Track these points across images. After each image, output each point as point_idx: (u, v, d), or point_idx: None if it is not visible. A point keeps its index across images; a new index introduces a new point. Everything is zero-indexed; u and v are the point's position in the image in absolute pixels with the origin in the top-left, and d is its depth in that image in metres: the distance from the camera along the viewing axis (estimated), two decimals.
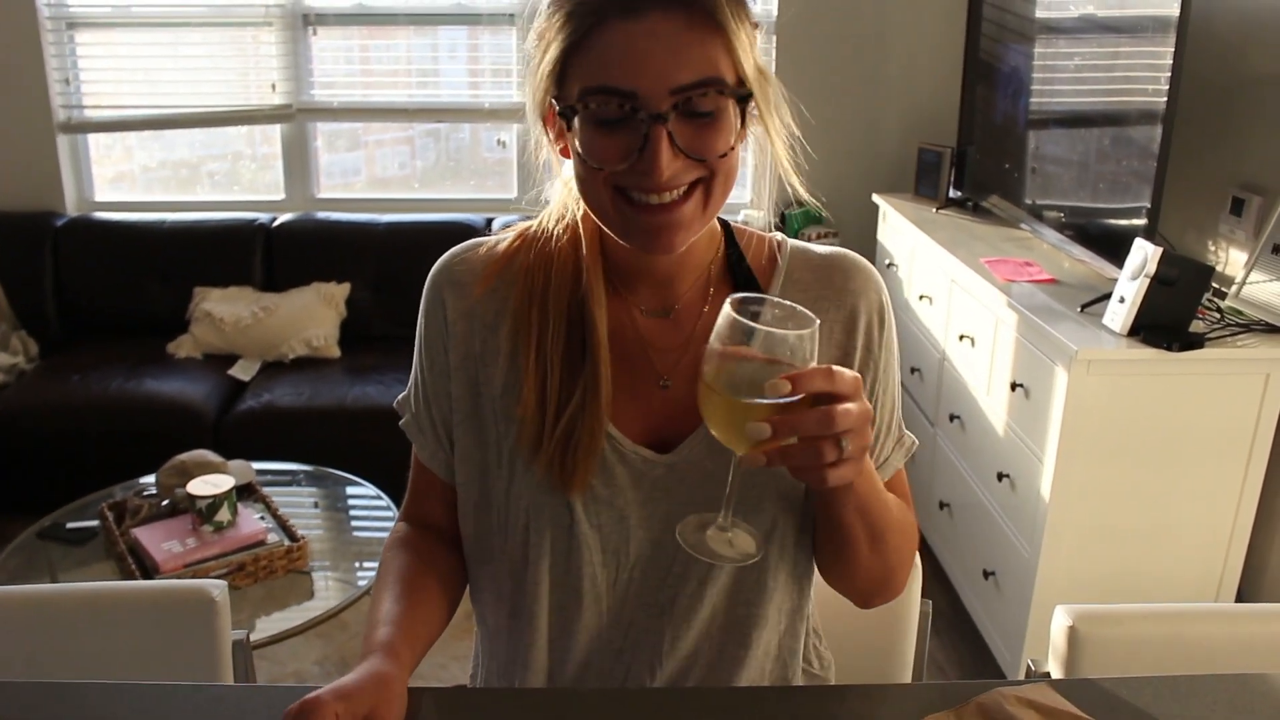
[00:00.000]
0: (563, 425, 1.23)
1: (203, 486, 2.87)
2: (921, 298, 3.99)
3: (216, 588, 1.50)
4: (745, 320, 1.04)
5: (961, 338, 3.56)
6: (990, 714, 1.21)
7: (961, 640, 3.45)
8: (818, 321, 1.05)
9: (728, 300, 1.04)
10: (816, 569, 1.40)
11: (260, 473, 3.30)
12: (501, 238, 1.33)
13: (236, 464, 3.19)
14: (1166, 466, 2.88)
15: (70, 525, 3.11)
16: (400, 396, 1.41)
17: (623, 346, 1.29)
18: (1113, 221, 3.24)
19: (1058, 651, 1.55)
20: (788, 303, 1.08)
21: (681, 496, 1.28)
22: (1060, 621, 1.54)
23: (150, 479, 3.21)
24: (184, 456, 3.10)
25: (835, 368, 1.03)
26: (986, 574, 3.34)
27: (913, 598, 1.66)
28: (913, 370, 4.02)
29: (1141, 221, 3.00)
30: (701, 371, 1.05)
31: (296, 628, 2.59)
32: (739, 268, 1.32)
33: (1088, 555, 2.96)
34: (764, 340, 1.03)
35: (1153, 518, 2.93)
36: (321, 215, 4.72)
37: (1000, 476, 3.19)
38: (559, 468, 1.24)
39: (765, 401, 1.03)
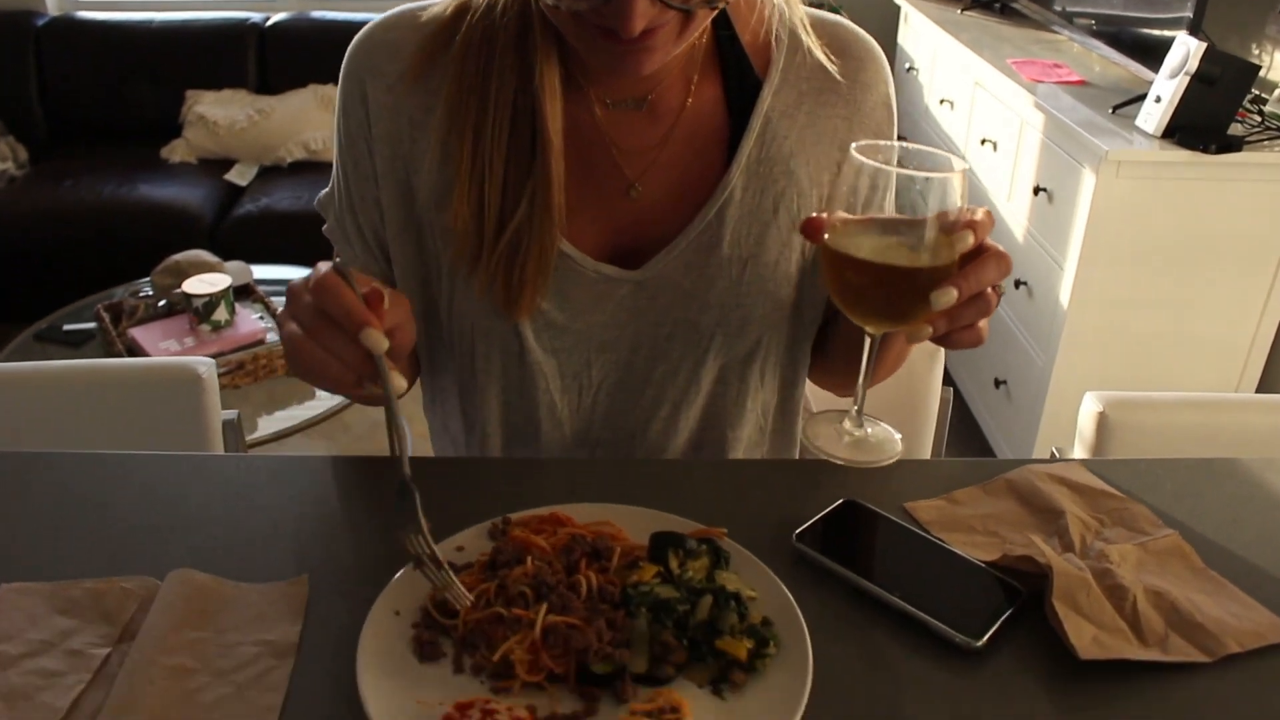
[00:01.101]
0: (505, 240, 1.05)
1: (199, 285, 2.79)
2: (942, 102, 3.83)
3: (203, 365, 1.43)
4: (895, 169, 0.89)
5: (983, 142, 3.42)
6: (1020, 490, 1.14)
7: (969, 451, 3.43)
8: (965, 164, 0.93)
9: (854, 152, 0.90)
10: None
11: (260, 281, 3.21)
12: (433, 4, 1.09)
13: (234, 265, 3.10)
14: (1190, 274, 2.78)
15: (67, 327, 3.04)
16: (321, 195, 1.21)
17: (580, 145, 1.09)
18: (1152, 28, 3.05)
19: (1085, 438, 1.48)
20: (912, 145, 0.93)
21: (652, 318, 1.16)
22: (1090, 408, 1.47)
23: (146, 281, 3.13)
24: (179, 256, 3.01)
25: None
26: (998, 383, 3.28)
27: (933, 385, 1.58)
28: None
29: (1183, 24, 2.82)
30: (837, 251, 0.92)
31: (297, 425, 2.55)
32: (730, 50, 1.12)
33: (1103, 363, 2.90)
34: (931, 190, 0.89)
35: (1172, 326, 2.85)
36: (317, 14, 4.49)
37: (1018, 284, 3.10)
38: (502, 289, 1.08)
39: (933, 266, 0.88)
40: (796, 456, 1.38)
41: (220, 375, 2.68)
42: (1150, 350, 2.88)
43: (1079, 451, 1.49)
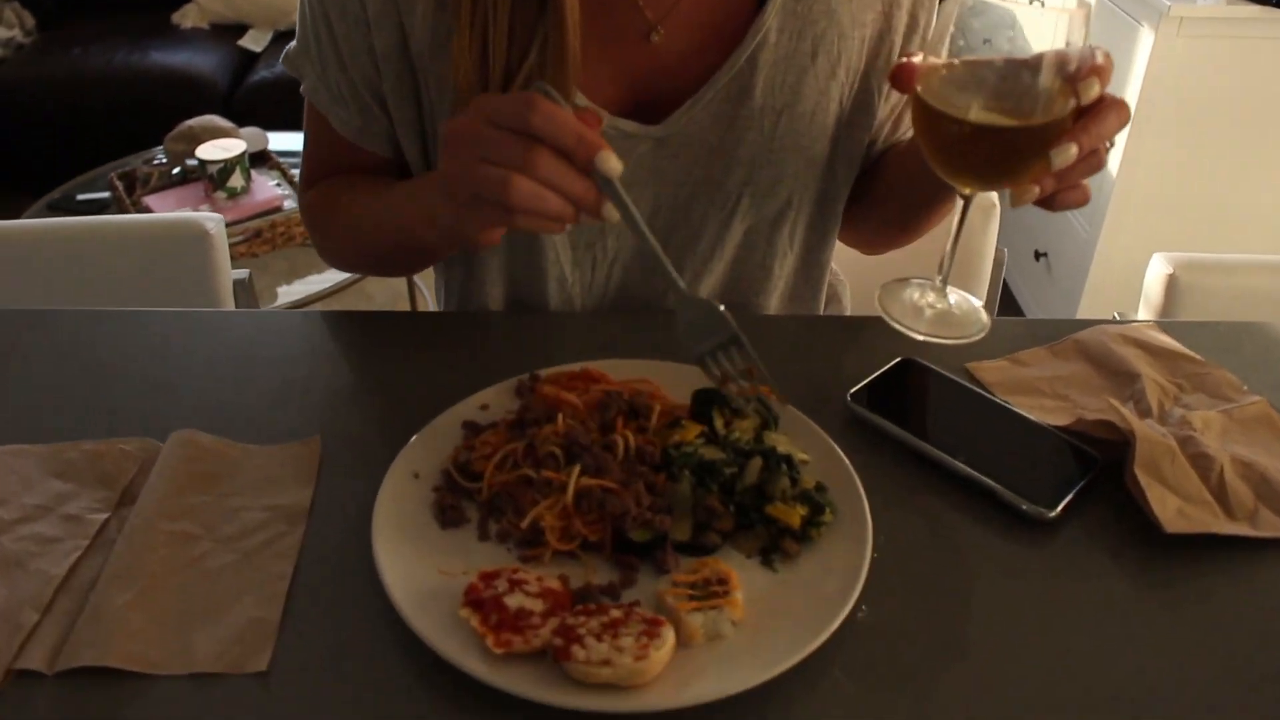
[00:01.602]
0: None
1: (213, 151, 2.69)
2: None
3: (211, 220, 1.34)
4: (1006, 3, 0.77)
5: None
6: (1091, 351, 1.05)
7: None
8: None
9: None
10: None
11: (277, 152, 3.09)
12: None
13: (249, 131, 2.99)
14: (1249, 142, 2.63)
15: (81, 197, 2.96)
16: (290, 51, 1.07)
17: None
18: None
19: (1151, 302, 1.38)
20: None
21: (674, 177, 1.05)
22: (1159, 270, 1.37)
23: (160, 150, 3.02)
24: (192, 122, 2.90)
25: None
26: (1038, 255, 3.16)
27: (987, 244, 1.48)
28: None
29: None
30: (934, 104, 0.80)
31: (317, 294, 2.46)
32: None
33: (1151, 235, 2.76)
34: (1045, 29, 0.78)
35: (1229, 193, 2.71)
36: None
37: None
38: None
39: (1049, 121, 0.77)
40: None
41: (237, 244, 2.63)
42: (1205, 219, 2.75)
43: (1145, 316, 1.38)
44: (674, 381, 0.92)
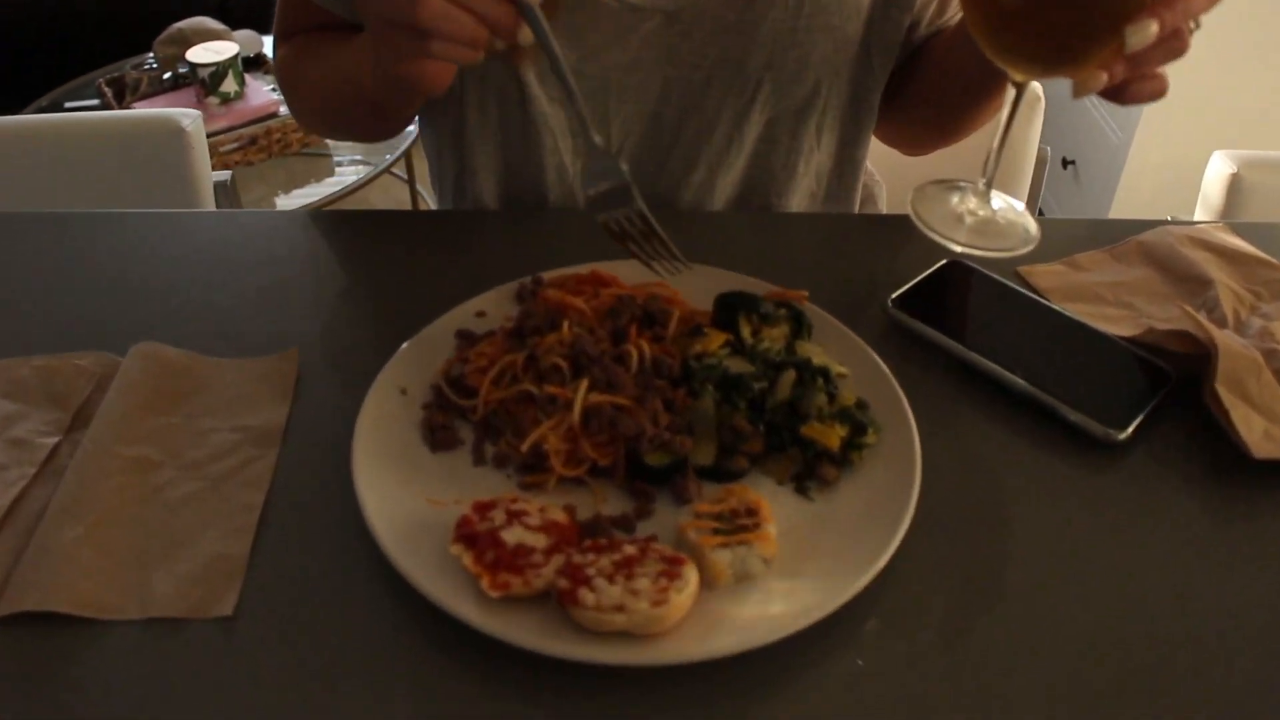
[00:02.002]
0: None
1: (204, 54, 2.56)
2: None
3: (187, 117, 1.24)
4: None
5: None
6: (1156, 254, 0.95)
7: None
8: None
9: None
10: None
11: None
12: None
13: (243, 34, 2.85)
14: None
15: (69, 104, 2.84)
16: None
17: None
18: None
19: (1211, 204, 1.27)
20: None
21: (687, 58, 0.95)
22: (1220, 169, 1.25)
23: (150, 55, 2.89)
24: (182, 24, 2.76)
25: None
26: (1065, 163, 3.03)
27: (1029, 141, 1.36)
28: None
29: None
30: None
31: (316, 203, 2.36)
32: None
33: (1187, 140, 2.62)
34: None
35: (1272, 96, 2.57)
36: None
37: None
38: None
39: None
40: None
41: (231, 151, 2.51)
42: (1243, 127, 2.60)
43: (1204, 218, 1.27)
44: (694, 285, 0.82)
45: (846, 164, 1.08)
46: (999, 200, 0.84)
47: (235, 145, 2.48)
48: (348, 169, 2.59)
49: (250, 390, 0.79)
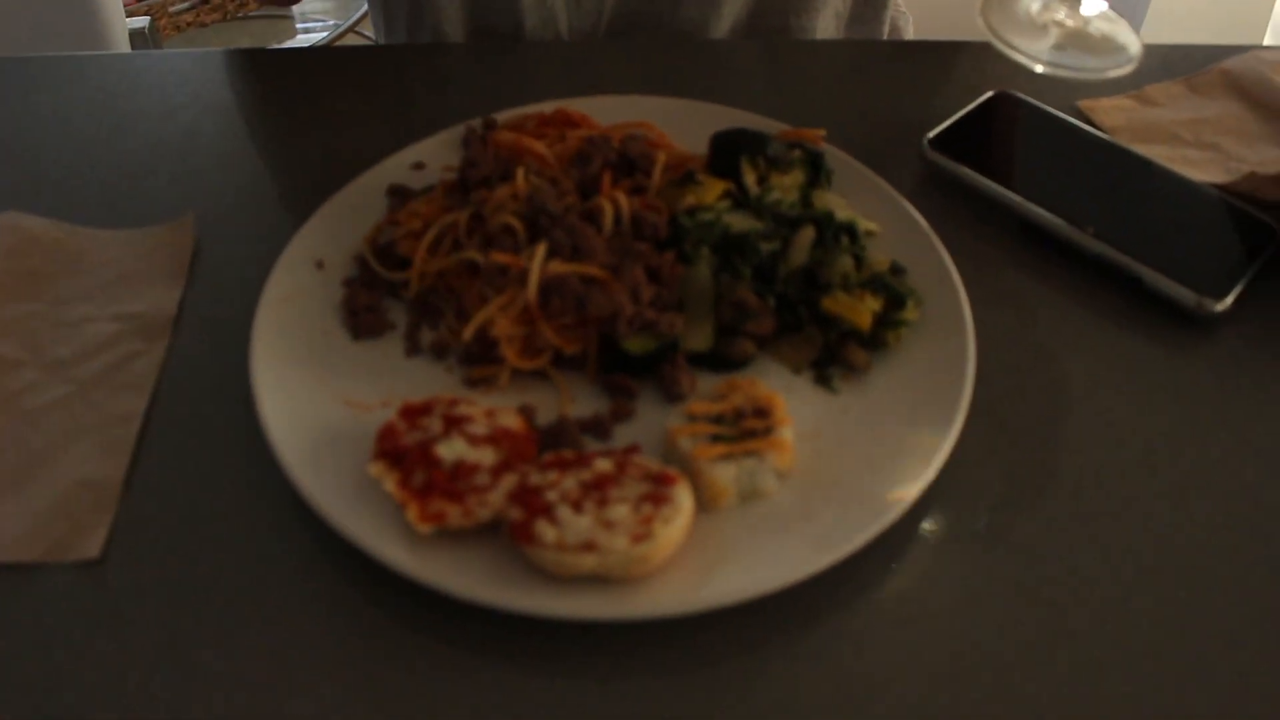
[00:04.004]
0: None
1: None
2: None
3: None
4: None
5: None
6: (1245, 84, 0.81)
7: None
8: None
9: None
10: None
11: None
12: None
13: None
14: None
15: None
16: None
17: None
18: None
19: None
20: None
21: None
22: None
23: None
24: None
25: None
26: None
27: None
28: None
29: None
30: None
31: None
32: None
33: None
34: None
35: None
36: None
37: None
38: None
39: None
40: None
41: (182, 11, 2.32)
42: None
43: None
44: (685, 123, 0.66)
45: None
46: (1091, 6, 0.67)
47: (186, 5, 2.28)
48: (315, 30, 2.41)
49: (135, 268, 0.65)
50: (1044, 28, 0.67)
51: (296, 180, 0.71)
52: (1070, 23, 0.67)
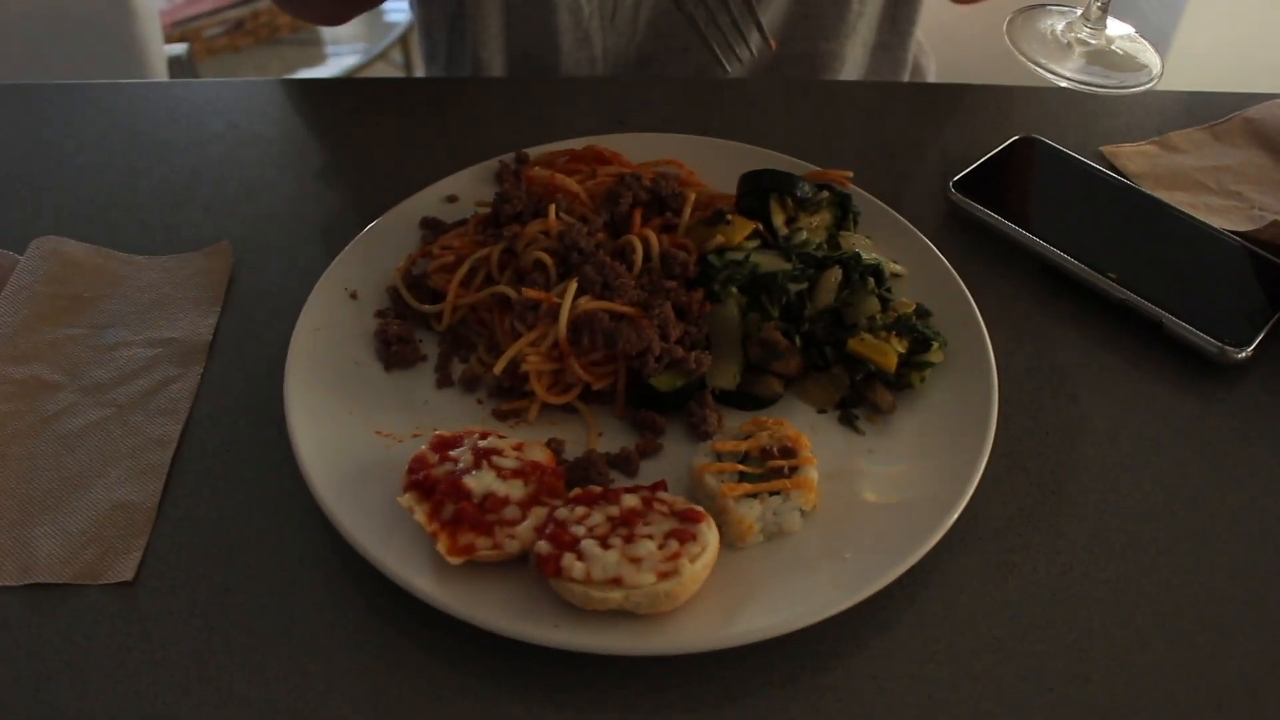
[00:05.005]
0: None
1: None
2: None
3: None
4: None
5: None
6: (1267, 132, 0.81)
7: None
8: None
9: None
10: None
11: None
12: None
13: None
14: None
15: None
16: None
17: None
18: None
19: None
20: None
21: None
22: None
23: None
24: None
25: None
26: None
27: None
28: None
29: None
30: None
31: None
32: None
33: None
34: None
35: None
36: None
37: None
38: None
39: None
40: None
41: (217, 36, 2.35)
42: None
43: None
44: (715, 163, 0.68)
45: (903, 6, 0.93)
46: (1115, 25, 0.71)
47: (220, 29, 2.32)
48: (345, 55, 2.43)
49: (172, 294, 0.66)
50: (1068, 46, 0.69)
51: (331, 210, 0.72)
52: (1094, 41, 0.70)
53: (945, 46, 1.13)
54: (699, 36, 0.66)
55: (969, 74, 0.86)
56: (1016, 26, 0.69)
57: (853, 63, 0.94)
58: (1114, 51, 0.70)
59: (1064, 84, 0.67)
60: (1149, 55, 0.69)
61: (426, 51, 0.98)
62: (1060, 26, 0.70)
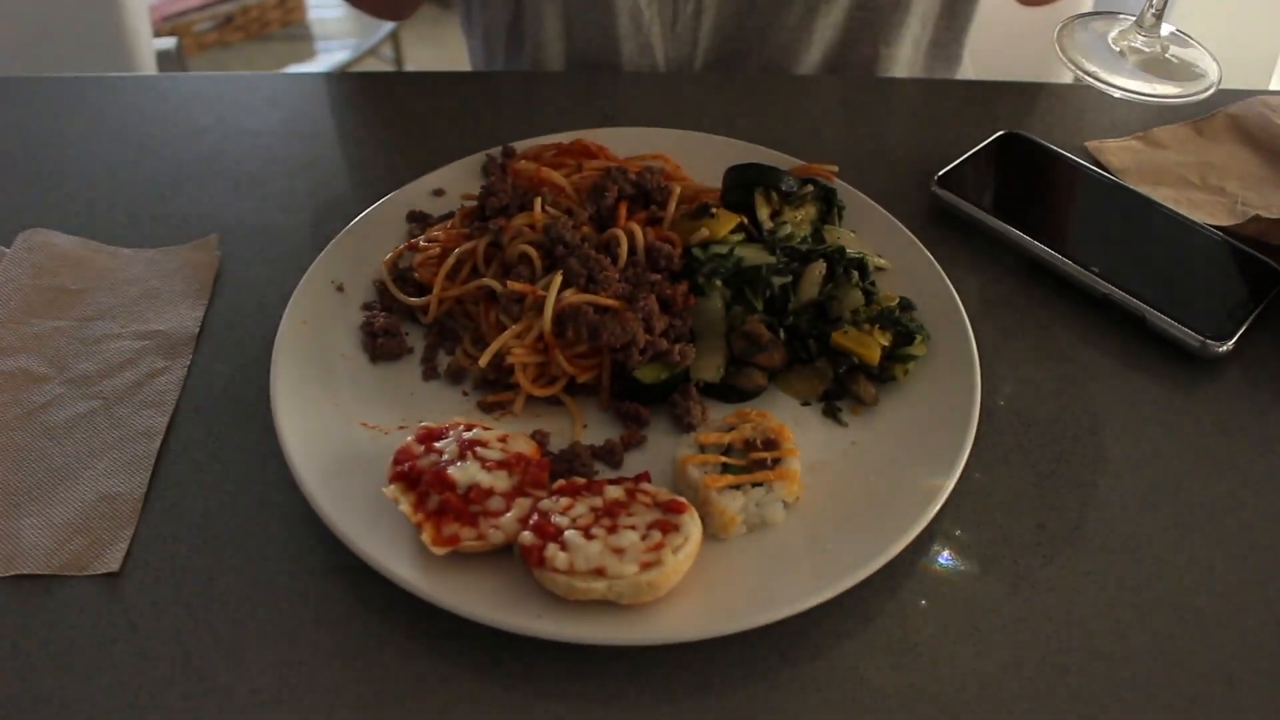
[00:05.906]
0: None
1: None
2: None
3: None
4: None
5: None
6: (1249, 128, 0.82)
7: None
8: None
9: None
10: None
11: None
12: None
13: None
14: None
15: None
16: None
17: None
18: None
19: None
20: None
21: None
22: None
23: None
24: None
25: None
26: None
27: None
28: None
29: None
30: None
31: None
32: None
33: None
34: None
35: None
36: None
37: None
38: None
39: None
40: None
41: (207, 31, 2.35)
42: None
43: None
44: (699, 156, 0.68)
45: (957, 4, 0.93)
46: (1170, 31, 0.69)
47: (210, 24, 2.31)
48: (335, 51, 2.43)
49: (159, 287, 0.66)
50: (1121, 54, 0.68)
51: (319, 203, 0.72)
52: (1149, 49, 0.68)
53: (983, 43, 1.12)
54: None
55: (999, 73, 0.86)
56: (1067, 34, 0.68)
57: (905, 63, 0.94)
58: (1168, 59, 0.68)
59: (1118, 95, 0.65)
60: (1206, 61, 0.67)
61: (483, 57, 0.98)
62: (1113, 34, 0.68)
